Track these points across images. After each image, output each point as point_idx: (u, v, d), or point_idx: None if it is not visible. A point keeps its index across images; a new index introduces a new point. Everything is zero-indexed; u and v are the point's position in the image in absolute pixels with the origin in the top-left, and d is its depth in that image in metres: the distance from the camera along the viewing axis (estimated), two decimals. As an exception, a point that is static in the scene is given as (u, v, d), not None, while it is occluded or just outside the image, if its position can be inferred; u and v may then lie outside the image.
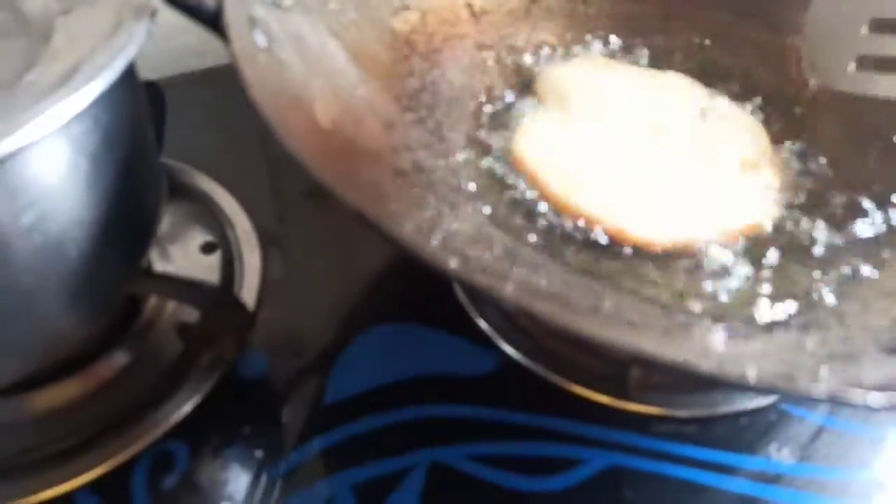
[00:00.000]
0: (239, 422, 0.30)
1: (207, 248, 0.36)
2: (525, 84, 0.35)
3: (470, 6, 0.36)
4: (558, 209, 0.27)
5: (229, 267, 0.35)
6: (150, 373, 0.30)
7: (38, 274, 0.22)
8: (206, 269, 0.35)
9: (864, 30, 0.29)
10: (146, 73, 0.26)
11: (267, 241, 0.36)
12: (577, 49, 0.36)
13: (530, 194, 0.29)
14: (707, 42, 0.36)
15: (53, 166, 0.20)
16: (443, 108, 0.32)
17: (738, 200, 0.28)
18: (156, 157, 0.26)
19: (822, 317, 0.24)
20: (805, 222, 0.28)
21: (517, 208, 0.28)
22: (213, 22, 0.23)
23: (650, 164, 0.29)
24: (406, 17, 0.34)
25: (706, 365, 0.16)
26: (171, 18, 0.24)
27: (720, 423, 0.29)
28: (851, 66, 0.29)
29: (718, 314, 0.24)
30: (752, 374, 0.15)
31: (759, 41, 0.36)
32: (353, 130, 0.26)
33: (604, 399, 0.29)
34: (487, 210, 0.28)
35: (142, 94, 0.24)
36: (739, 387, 0.18)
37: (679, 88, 0.34)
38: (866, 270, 0.26)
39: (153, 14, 0.22)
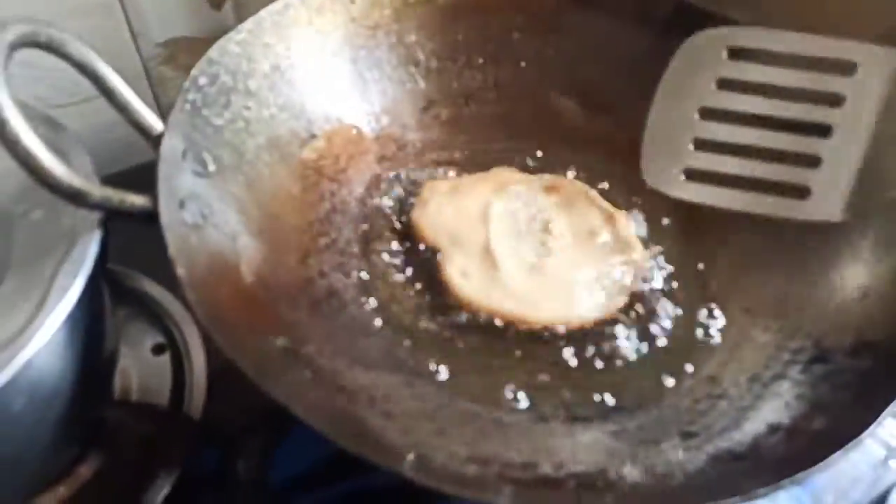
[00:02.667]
0: (203, 508, 0.36)
1: (157, 350, 0.41)
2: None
3: (370, 121, 0.42)
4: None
5: (179, 366, 0.41)
6: (123, 471, 0.36)
7: (28, 429, 0.27)
8: (157, 369, 0.40)
9: (691, 146, 0.34)
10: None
11: (211, 339, 0.42)
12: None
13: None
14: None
15: (42, 363, 0.25)
16: (350, 226, 0.38)
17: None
18: (112, 323, 0.32)
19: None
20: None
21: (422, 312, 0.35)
22: (150, 218, 0.28)
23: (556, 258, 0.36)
24: (314, 145, 0.39)
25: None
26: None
27: None
28: (681, 176, 0.34)
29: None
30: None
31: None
32: (271, 278, 0.32)
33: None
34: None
35: (103, 283, 0.29)
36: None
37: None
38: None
39: (103, 223, 0.27)
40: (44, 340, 0.25)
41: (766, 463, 0.26)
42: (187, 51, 0.51)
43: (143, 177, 0.31)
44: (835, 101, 0.30)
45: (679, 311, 0.35)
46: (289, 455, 0.37)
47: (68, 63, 0.29)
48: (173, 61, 0.51)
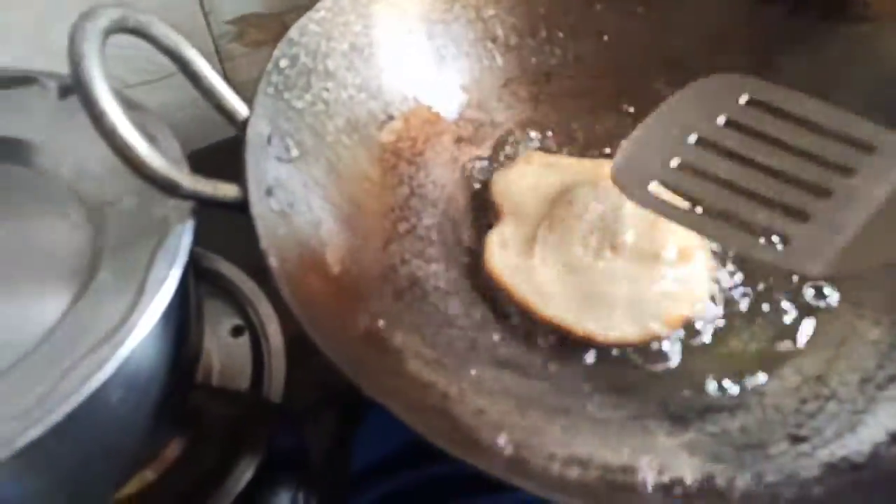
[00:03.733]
0: (284, 488, 0.36)
1: (236, 332, 0.42)
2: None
3: (448, 100, 0.41)
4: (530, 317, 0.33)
5: (257, 347, 0.41)
6: (206, 456, 0.36)
7: (124, 418, 0.28)
8: (237, 351, 0.41)
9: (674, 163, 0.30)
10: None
11: (287, 318, 0.42)
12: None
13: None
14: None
15: (140, 356, 0.25)
16: (429, 210, 0.37)
17: (680, 289, 0.34)
18: (197, 308, 0.32)
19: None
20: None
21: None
22: (240, 207, 0.28)
23: (603, 266, 0.34)
24: (392, 126, 0.38)
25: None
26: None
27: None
28: (650, 185, 0.29)
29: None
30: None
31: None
32: (356, 266, 0.31)
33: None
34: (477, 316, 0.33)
35: (191, 270, 0.29)
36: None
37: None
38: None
39: (195, 212, 0.27)
40: (142, 334, 0.24)
41: (889, 474, 0.24)
42: (256, 27, 0.50)
43: (216, 156, 0.31)
44: (844, 171, 0.28)
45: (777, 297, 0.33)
46: (368, 438, 0.37)
47: (155, 47, 0.28)
48: (242, 38, 0.50)
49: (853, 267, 0.26)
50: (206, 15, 0.48)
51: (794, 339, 0.32)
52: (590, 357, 0.32)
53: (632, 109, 0.41)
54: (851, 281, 0.33)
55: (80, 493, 0.29)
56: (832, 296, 0.33)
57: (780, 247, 0.27)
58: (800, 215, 0.27)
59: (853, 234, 0.26)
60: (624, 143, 0.31)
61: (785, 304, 0.33)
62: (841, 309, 0.33)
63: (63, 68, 0.33)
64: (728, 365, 0.32)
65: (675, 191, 0.29)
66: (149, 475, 0.35)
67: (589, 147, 0.41)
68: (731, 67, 0.40)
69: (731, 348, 0.32)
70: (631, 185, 0.29)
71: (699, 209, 0.31)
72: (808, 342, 0.32)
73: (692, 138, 0.30)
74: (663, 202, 0.29)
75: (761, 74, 0.39)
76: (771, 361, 0.32)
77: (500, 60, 0.42)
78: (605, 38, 0.43)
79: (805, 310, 0.33)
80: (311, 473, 0.37)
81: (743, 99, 0.30)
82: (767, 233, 0.27)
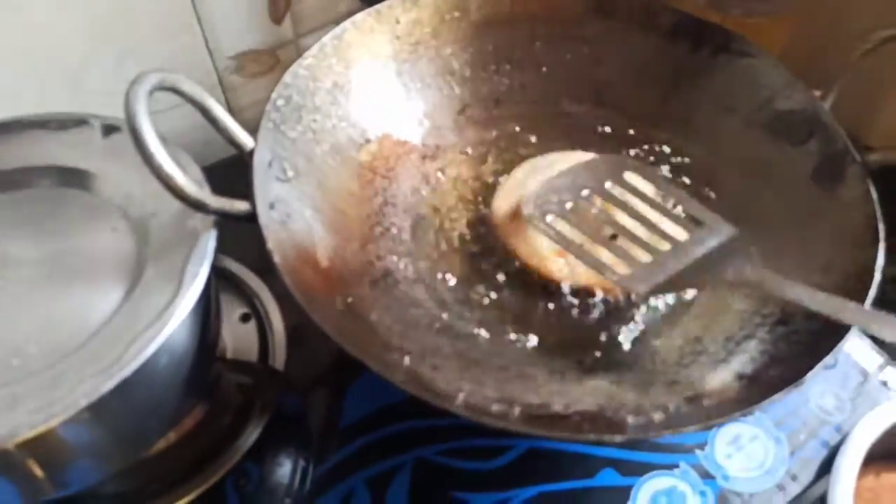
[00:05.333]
0: (287, 445, 0.45)
1: (244, 318, 0.50)
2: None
3: (414, 125, 0.50)
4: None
5: (263, 331, 0.50)
6: (223, 418, 0.45)
7: (167, 381, 0.36)
8: (245, 334, 0.50)
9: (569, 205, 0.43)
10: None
11: (287, 308, 0.50)
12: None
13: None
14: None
15: (179, 334, 0.34)
16: (400, 216, 0.46)
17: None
18: (217, 298, 0.41)
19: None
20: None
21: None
22: (250, 219, 0.37)
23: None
24: (368, 148, 0.47)
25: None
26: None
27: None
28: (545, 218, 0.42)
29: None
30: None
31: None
32: (340, 261, 0.40)
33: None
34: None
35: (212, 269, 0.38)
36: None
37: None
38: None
39: (217, 223, 0.36)
40: (181, 318, 0.33)
41: (727, 402, 0.33)
42: (254, 61, 0.59)
43: (218, 172, 0.39)
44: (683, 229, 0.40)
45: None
46: (355, 401, 0.46)
47: (183, 98, 0.37)
48: (242, 71, 0.59)
49: (665, 291, 0.40)
50: (210, 52, 0.56)
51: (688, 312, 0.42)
52: (532, 341, 0.41)
53: (565, 123, 0.50)
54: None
55: (131, 442, 0.37)
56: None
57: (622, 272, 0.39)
58: (638, 255, 0.40)
59: (672, 273, 0.38)
60: (534, 187, 0.43)
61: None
62: (719, 288, 0.42)
63: (99, 107, 0.42)
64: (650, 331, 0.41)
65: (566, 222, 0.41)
66: (172, 436, 0.44)
67: (536, 155, 0.50)
68: (647, 92, 0.50)
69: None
70: (534, 215, 0.41)
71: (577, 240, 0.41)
72: (695, 313, 0.41)
73: (585, 192, 0.42)
74: (552, 229, 0.41)
75: (670, 98, 0.49)
76: (669, 327, 0.41)
77: (457, 90, 0.51)
78: (544, 69, 0.52)
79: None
80: (309, 433, 0.46)
81: (626, 175, 0.43)
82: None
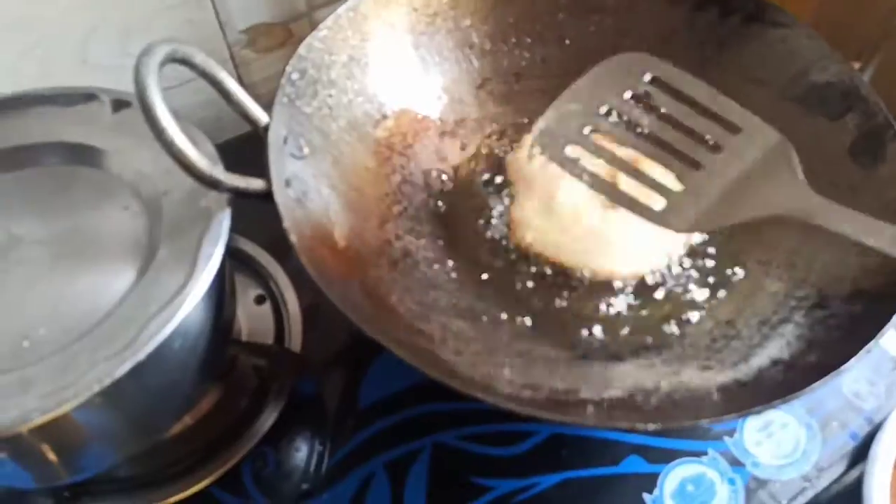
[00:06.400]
0: (304, 428, 0.44)
1: (259, 300, 0.49)
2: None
3: (432, 100, 0.48)
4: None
5: (278, 313, 0.49)
6: (239, 401, 0.44)
7: (182, 361, 0.35)
8: (261, 316, 0.49)
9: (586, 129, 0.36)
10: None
11: (302, 289, 0.49)
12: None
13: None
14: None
15: (194, 315, 0.33)
16: (418, 195, 0.45)
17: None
18: (232, 279, 0.40)
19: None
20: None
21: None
22: (265, 197, 0.35)
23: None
24: (385, 125, 0.46)
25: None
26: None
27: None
28: (566, 149, 0.36)
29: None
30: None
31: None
32: (358, 241, 0.39)
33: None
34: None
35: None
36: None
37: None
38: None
39: (231, 202, 0.35)
40: (196, 300, 0.32)
41: (764, 389, 0.32)
42: (266, 34, 0.57)
43: (233, 149, 0.38)
44: (713, 148, 0.34)
45: (706, 263, 0.41)
46: (373, 384, 0.45)
47: (195, 72, 0.35)
48: (254, 45, 0.57)
49: (707, 227, 0.34)
50: (221, 25, 0.55)
51: (715, 295, 0.40)
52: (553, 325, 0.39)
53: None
54: (761, 246, 0.41)
55: (145, 426, 0.37)
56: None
57: (657, 207, 0.34)
58: (675, 182, 0.35)
59: (711, 202, 0.33)
60: (546, 112, 0.37)
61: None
62: (752, 268, 0.40)
63: (104, 82, 0.40)
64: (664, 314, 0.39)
65: (586, 152, 0.36)
66: (188, 420, 0.43)
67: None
68: (674, 64, 0.48)
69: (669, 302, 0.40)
70: (550, 146, 0.36)
71: (602, 172, 0.36)
72: (726, 295, 0.40)
73: (603, 109, 0.36)
74: (573, 162, 0.36)
75: (698, 70, 0.47)
76: (695, 310, 0.39)
77: (476, 64, 0.49)
78: (567, 42, 0.50)
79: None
80: (326, 416, 0.45)
81: (646, 76, 0.36)
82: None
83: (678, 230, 0.33)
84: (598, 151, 0.36)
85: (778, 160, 0.32)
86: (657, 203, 0.34)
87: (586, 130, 0.36)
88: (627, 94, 0.37)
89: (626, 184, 0.35)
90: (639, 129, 0.36)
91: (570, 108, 0.37)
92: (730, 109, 0.34)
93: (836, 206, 0.30)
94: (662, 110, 0.36)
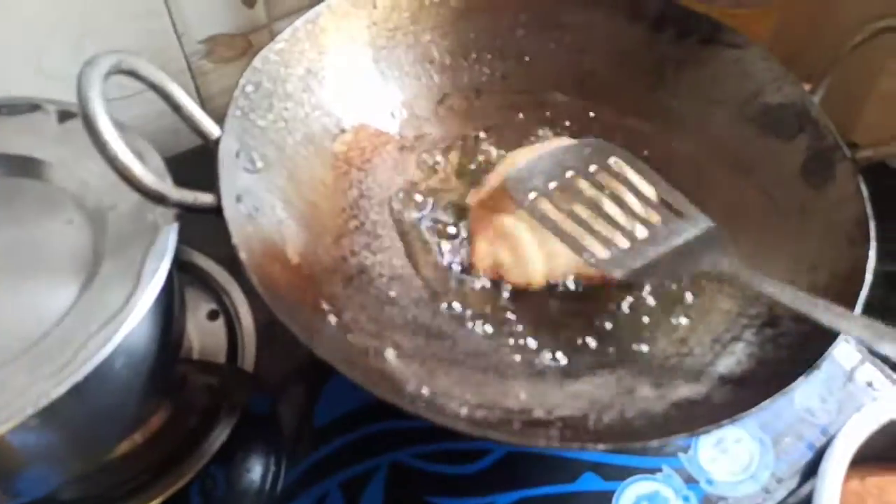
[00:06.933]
0: (256, 447, 0.43)
1: (212, 315, 0.48)
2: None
3: (391, 114, 0.48)
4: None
5: (232, 329, 0.47)
6: (188, 420, 0.43)
7: (125, 382, 0.34)
8: (213, 332, 0.47)
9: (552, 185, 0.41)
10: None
11: (257, 304, 0.48)
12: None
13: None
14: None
15: (138, 333, 0.32)
16: (375, 209, 0.44)
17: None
18: (181, 295, 0.39)
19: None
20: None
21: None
22: (215, 212, 0.35)
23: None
24: (343, 138, 0.45)
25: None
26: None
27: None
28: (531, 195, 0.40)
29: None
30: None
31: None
32: (312, 257, 0.38)
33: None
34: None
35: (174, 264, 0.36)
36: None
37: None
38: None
39: (179, 217, 0.34)
40: (140, 316, 0.31)
41: (715, 408, 0.32)
42: (224, 45, 0.56)
43: (185, 163, 0.37)
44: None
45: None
46: (328, 402, 0.44)
47: (144, 84, 0.34)
48: (212, 55, 0.56)
49: (644, 279, 0.40)
50: (178, 36, 0.54)
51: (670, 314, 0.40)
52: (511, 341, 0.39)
53: (548, 114, 0.49)
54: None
55: (87, 447, 0.35)
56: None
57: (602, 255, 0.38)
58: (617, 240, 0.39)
59: (649, 259, 0.37)
60: (520, 163, 0.41)
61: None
62: (705, 286, 0.40)
63: (56, 92, 0.39)
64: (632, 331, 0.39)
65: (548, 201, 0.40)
66: (137, 438, 0.42)
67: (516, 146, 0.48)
68: (632, 82, 0.48)
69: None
70: (518, 192, 0.40)
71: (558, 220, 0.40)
72: (681, 314, 0.40)
73: (569, 174, 0.41)
74: (537, 209, 0.39)
75: (655, 88, 0.48)
76: (653, 328, 0.39)
77: (436, 79, 0.49)
78: (527, 58, 0.50)
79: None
80: (279, 435, 0.44)
81: (611, 160, 0.42)
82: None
83: (616, 277, 0.37)
84: (559, 203, 0.40)
85: (712, 239, 0.37)
86: (602, 252, 0.38)
87: (552, 185, 0.40)
88: (593, 168, 0.41)
89: (575, 231, 0.39)
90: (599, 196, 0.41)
91: (540, 165, 0.42)
92: (678, 200, 0.40)
93: (758, 274, 0.34)
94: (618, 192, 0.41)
